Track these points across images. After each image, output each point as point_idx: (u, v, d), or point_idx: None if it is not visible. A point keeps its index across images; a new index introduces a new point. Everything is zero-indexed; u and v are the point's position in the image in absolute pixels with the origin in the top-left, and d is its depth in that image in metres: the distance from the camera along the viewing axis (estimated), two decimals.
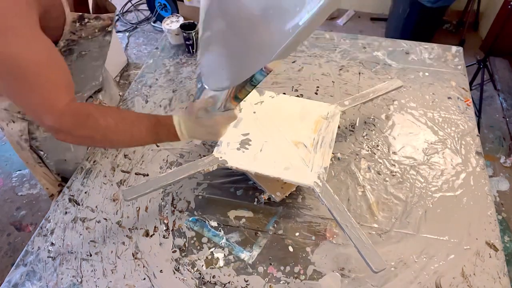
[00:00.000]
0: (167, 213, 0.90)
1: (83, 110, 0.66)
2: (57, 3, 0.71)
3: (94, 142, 0.72)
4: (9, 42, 0.57)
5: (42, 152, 1.00)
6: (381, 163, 0.98)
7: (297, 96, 1.15)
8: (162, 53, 1.34)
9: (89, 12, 0.83)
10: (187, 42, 1.28)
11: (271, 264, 0.81)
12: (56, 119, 0.62)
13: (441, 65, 1.25)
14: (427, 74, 1.22)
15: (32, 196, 1.85)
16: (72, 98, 0.65)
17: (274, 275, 0.79)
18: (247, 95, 0.70)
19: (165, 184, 0.81)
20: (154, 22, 2.86)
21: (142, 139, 0.72)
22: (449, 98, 1.15)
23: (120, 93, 1.25)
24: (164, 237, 0.86)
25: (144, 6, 2.98)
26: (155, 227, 0.87)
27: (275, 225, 0.87)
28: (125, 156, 1.02)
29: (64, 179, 1.09)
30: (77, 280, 0.79)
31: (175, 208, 0.91)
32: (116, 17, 2.98)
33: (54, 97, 0.62)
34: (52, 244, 0.85)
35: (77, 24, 0.78)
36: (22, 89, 0.60)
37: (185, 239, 0.85)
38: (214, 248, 0.83)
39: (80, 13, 0.76)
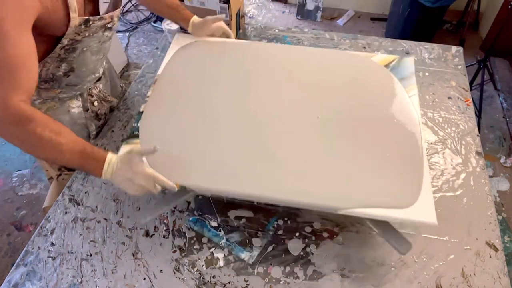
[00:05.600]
0: (167, 213, 0.90)
1: (30, 114, 0.67)
2: (59, 8, 0.73)
3: (22, 146, 0.72)
4: None
5: None
6: None
7: None
8: (162, 53, 1.34)
9: (97, 8, 0.87)
10: None
11: (271, 264, 0.81)
12: (3, 111, 0.66)
13: (441, 65, 1.25)
14: (427, 74, 1.22)
15: (32, 196, 1.85)
16: (26, 100, 0.68)
17: (274, 275, 0.79)
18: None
19: (177, 202, 0.82)
20: (154, 22, 2.86)
21: (65, 162, 0.73)
22: (449, 98, 1.15)
23: (122, 85, 1.26)
24: (164, 237, 0.86)
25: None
26: (155, 227, 0.87)
27: (275, 225, 0.87)
28: None
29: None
30: (77, 280, 0.79)
31: (175, 208, 0.91)
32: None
33: (10, 92, 0.66)
34: (52, 244, 0.85)
35: (82, 26, 0.80)
36: None
37: (185, 239, 0.85)
38: (214, 248, 0.83)
39: (86, 17, 0.79)
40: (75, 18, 0.77)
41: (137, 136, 0.87)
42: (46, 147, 0.70)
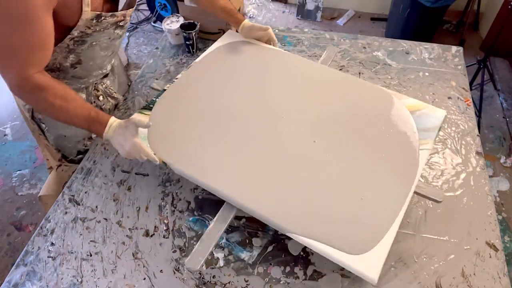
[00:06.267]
0: (167, 213, 0.90)
1: (42, 83, 0.77)
2: (74, 0, 0.77)
3: (37, 109, 0.88)
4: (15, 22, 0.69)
5: (43, 125, 1.05)
6: None
7: None
8: (162, 53, 1.35)
9: (115, 8, 0.90)
10: (187, 42, 1.28)
11: (271, 264, 0.81)
12: (21, 81, 0.76)
13: (441, 65, 1.25)
14: (427, 74, 1.22)
15: (32, 196, 1.85)
16: (40, 71, 0.78)
17: (274, 275, 0.79)
18: None
19: (219, 235, 0.79)
20: (154, 22, 2.86)
21: (75, 125, 0.84)
22: (449, 98, 1.15)
23: (129, 83, 1.27)
24: (164, 237, 0.86)
25: (144, 6, 2.98)
26: (155, 227, 0.87)
27: None
28: None
29: (64, 156, 1.12)
30: (77, 280, 0.79)
31: (175, 208, 0.91)
32: None
33: (26, 66, 0.75)
34: (52, 244, 0.85)
35: (94, 21, 0.83)
36: (6, 50, 0.73)
37: (185, 239, 0.85)
38: (214, 248, 0.83)
39: (98, 12, 0.82)
40: (87, 12, 0.80)
41: (151, 109, 0.94)
42: (56, 112, 0.81)
